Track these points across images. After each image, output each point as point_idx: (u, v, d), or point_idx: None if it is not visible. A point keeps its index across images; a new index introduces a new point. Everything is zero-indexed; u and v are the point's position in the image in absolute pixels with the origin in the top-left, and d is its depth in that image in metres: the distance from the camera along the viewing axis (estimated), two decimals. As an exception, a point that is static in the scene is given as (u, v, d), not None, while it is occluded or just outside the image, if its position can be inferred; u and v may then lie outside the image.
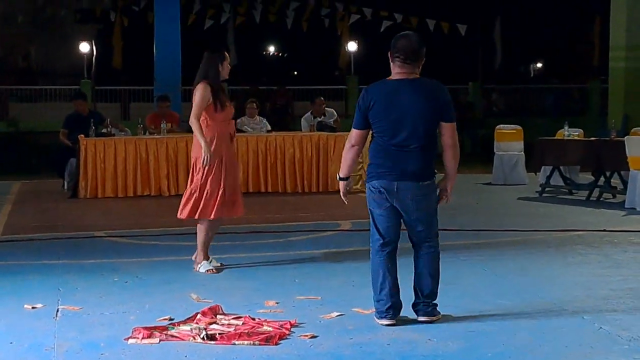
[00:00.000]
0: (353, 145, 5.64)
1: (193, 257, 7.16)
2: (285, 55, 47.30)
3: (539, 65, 43.50)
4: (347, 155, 5.71)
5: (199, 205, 7.07)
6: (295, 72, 44.43)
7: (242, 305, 5.81)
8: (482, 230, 9.16)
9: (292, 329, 5.19)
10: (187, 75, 16.99)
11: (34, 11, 27.55)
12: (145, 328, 5.13)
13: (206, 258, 7.09)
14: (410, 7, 24.26)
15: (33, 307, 5.76)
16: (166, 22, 15.58)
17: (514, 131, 14.13)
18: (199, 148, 6.96)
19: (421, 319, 5.43)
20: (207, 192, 7.03)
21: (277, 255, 7.70)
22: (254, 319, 5.40)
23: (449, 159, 5.59)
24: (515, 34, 33.40)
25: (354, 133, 5.58)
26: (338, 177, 5.89)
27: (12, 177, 15.29)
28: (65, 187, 12.65)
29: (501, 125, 14.51)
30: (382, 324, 5.35)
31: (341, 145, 12.64)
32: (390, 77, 5.47)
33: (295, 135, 12.97)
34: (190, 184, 7.14)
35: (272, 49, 46.28)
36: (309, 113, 13.79)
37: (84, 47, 28.01)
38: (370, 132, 5.56)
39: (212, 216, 7.05)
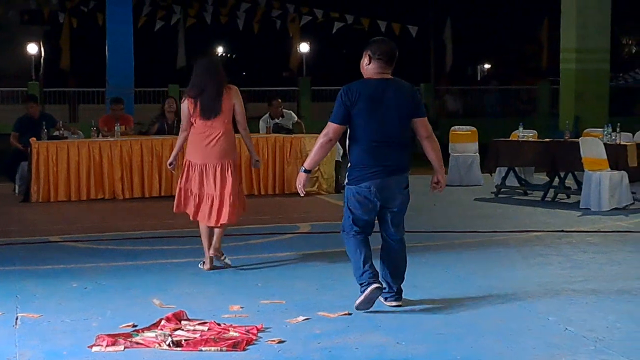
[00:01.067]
0: (330, 140, 5.83)
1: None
2: (234, 56, 47.17)
3: (487, 66, 43.93)
4: (320, 150, 5.91)
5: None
6: (244, 73, 44.31)
7: (206, 310, 5.74)
8: (442, 231, 9.20)
9: (258, 334, 5.15)
10: (139, 78, 16.84)
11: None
12: (109, 335, 5.04)
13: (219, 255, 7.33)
14: (362, 9, 24.33)
15: (-9, 315, 5.63)
16: (118, 24, 15.39)
17: (469, 132, 14.23)
18: (235, 150, 7.29)
19: (393, 304, 5.83)
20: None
21: (238, 259, 7.62)
22: (219, 325, 5.34)
23: (429, 150, 5.90)
24: (465, 35, 33.68)
25: (333, 127, 5.79)
26: (303, 169, 6.01)
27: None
28: (17, 191, 12.41)
29: (456, 127, 14.60)
30: (371, 290, 5.62)
31: (298, 147, 12.67)
32: (370, 77, 5.82)
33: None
34: (226, 188, 7.19)
35: (220, 49, 46.05)
36: (266, 115, 13.71)
37: (32, 48, 27.59)
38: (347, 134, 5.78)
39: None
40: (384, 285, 5.82)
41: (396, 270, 5.88)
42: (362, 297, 5.68)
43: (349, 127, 5.78)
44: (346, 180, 5.91)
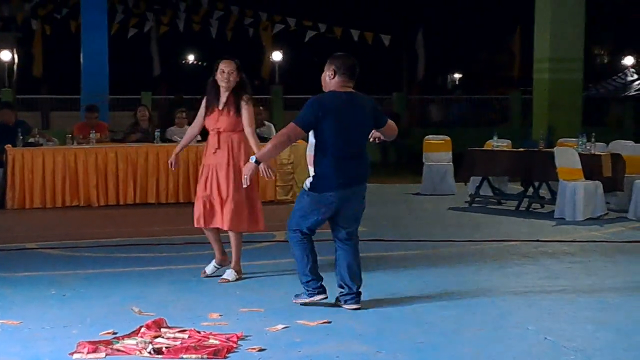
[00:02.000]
0: (290, 141, 6.18)
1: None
2: (205, 64, 47.07)
3: (457, 75, 44.22)
4: (278, 149, 6.15)
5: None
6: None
7: (185, 317, 5.76)
8: (417, 240, 9.24)
9: (239, 342, 5.16)
10: (112, 85, 16.79)
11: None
12: (90, 342, 5.04)
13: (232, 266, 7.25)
14: (334, 17, 24.41)
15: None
16: (93, 30, 15.35)
17: (443, 142, 14.32)
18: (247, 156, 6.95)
19: (353, 307, 6.04)
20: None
21: (215, 267, 7.63)
22: (199, 332, 5.35)
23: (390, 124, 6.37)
24: (436, 44, 33.88)
25: (297, 131, 6.01)
26: (254, 159, 6.13)
27: None
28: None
29: (430, 136, 14.68)
30: (317, 300, 6.09)
31: (277, 157, 12.64)
32: (336, 90, 6.08)
33: (226, 146, 12.88)
34: (238, 195, 7.09)
35: (191, 57, 45.96)
36: None
37: (5, 55, 27.41)
38: (314, 144, 6.02)
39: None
40: (344, 288, 6.10)
41: (353, 273, 6.13)
42: (307, 300, 6.14)
43: (316, 138, 6.01)
44: (308, 186, 6.12)
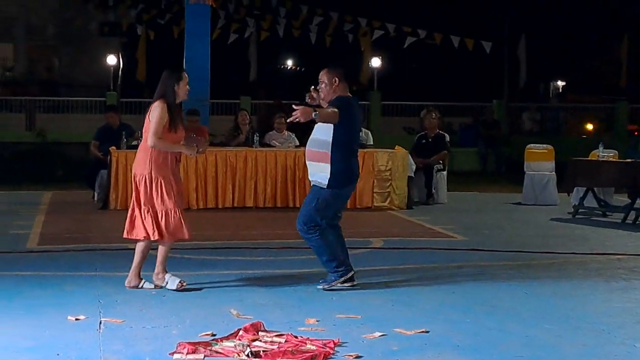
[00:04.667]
0: (335, 119, 6.72)
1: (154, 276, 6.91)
2: (303, 69, 47.37)
3: (560, 83, 43.31)
4: (330, 116, 6.71)
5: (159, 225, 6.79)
6: (313, 87, 44.43)
7: (283, 322, 5.78)
8: (519, 251, 9.05)
9: (335, 349, 5.14)
10: (211, 89, 17.02)
11: (63, 24, 27.73)
12: (190, 343, 5.10)
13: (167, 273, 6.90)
14: (434, 24, 24.22)
15: (76, 319, 5.76)
16: (195, 36, 15.54)
17: (545, 151, 14.03)
18: (143, 165, 6.76)
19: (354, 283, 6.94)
20: (165, 211, 6.80)
21: (312, 272, 7.65)
22: (296, 337, 5.35)
23: None
24: (539, 51, 33.27)
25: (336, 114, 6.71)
26: (316, 114, 6.64)
27: (40, 187, 15.32)
28: (96, 198, 12.65)
29: (531, 145, 14.42)
30: (353, 285, 6.88)
31: (370, 162, 12.65)
32: (343, 94, 6.89)
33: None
34: (139, 203, 6.80)
35: (290, 62, 46.28)
36: None
37: (111, 59, 28.15)
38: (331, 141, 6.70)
39: (186, 236, 6.89)
40: (344, 266, 6.92)
41: (346, 251, 7.04)
42: (343, 279, 6.87)
43: (334, 134, 6.68)
44: (325, 183, 6.69)
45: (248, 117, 13.86)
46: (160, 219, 6.77)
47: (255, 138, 12.94)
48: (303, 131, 20.31)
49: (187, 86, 6.88)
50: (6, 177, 17.53)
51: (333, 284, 6.86)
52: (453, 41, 21.53)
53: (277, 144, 13.45)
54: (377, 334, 5.48)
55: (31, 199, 13.49)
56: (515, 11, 31.73)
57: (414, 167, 13.17)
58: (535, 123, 27.98)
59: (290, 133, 13.97)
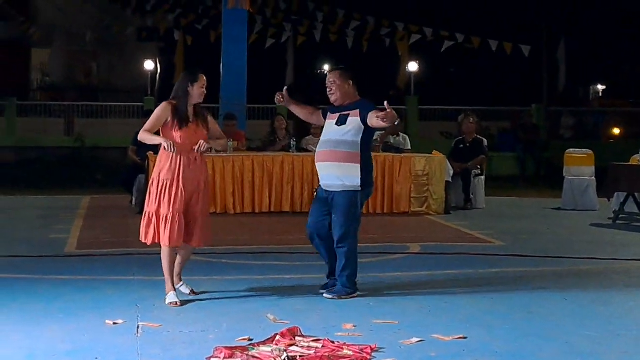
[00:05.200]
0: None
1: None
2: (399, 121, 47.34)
3: (600, 87, 42.87)
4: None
5: (158, 229, 6.60)
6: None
7: (319, 327, 5.76)
8: (558, 257, 8.95)
9: (372, 354, 5.12)
10: (248, 94, 17.08)
11: (101, 30, 28.01)
12: (227, 348, 5.10)
13: (172, 289, 6.61)
14: (472, 28, 24.10)
15: (114, 323, 5.79)
16: (232, 41, 15.63)
17: (585, 156, 13.89)
18: (155, 168, 6.68)
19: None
20: (161, 216, 6.59)
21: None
22: (333, 342, 5.33)
23: None
24: (579, 54, 32.97)
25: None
26: (397, 121, 7.01)
27: (79, 192, 15.47)
28: (134, 202, 12.74)
29: (571, 150, 14.29)
30: (358, 295, 6.76)
31: (407, 167, 12.61)
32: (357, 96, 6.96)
33: (361, 156, 12.89)
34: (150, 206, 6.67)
35: (326, 67, 46.35)
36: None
37: (149, 64, 28.39)
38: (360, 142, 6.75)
39: (166, 243, 6.58)
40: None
41: None
42: (353, 295, 6.76)
43: (363, 135, 6.75)
44: (359, 185, 6.71)
45: (285, 121, 13.89)
46: (160, 223, 6.58)
47: (292, 143, 12.95)
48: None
49: (204, 89, 6.69)
50: (45, 181, 17.77)
51: (344, 295, 6.75)
52: (491, 45, 21.39)
53: (313, 148, 13.39)
54: (415, 339, 5.44)
55: (70, 204, 13.63)
56: (554, 15, 31.46)
57: (451, 172, 13.10)
58: (569, 129, 27.73)
59: (327, 138, 13.96)
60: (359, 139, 6.74)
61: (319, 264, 8.27)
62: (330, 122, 6.92)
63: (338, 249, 6.82)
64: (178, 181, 6.56)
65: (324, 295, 6.78)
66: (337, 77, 6.89)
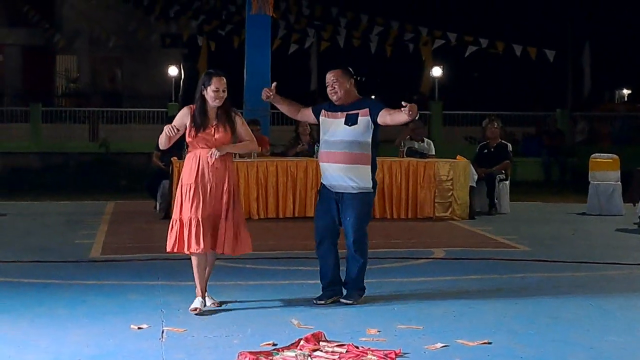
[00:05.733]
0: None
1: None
2: (363, 79, 47.27)
3: (626, 91, 42.57)
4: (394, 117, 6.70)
5: (181, 236, 6.39)
6: (373, 97, 44.42)
7: (344, 332, 5.76)
8: (584, 262, 8.88)
9: (397, 359, 5.10)
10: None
11: (126, 36, 28.20)
12: (251, 353, 5.11)
13: (199, 294, 6.45)
14: (496, 32, 24.02)
15: (139, 328, 5.82)
16: (256, 47, 15.67)
17: (610, 160, 13.78)
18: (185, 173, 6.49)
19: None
20: (183, 222, 6.39)
21: (372, 282, 7.59)
22: (357, 347, 5.33)
23: None
24: (604, 59, 32.77)
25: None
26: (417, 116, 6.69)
27: (104, 197, 15.55)
28: (158, 208, 12.79)
29: (596, 154, 14.19)
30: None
31: (431, 172, 12.56)
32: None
33: (384, 161, 12.86)
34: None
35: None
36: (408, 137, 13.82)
37: (173, 70, 28.52)
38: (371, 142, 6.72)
39: (188, 249, 6.38)
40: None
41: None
42: (359, 300, 6.75)
43: (373, 136, 6.69)
44: (371, 187, 6.73)
45: (309, 127, 13.89)
46: (183, 229, 6.37)
47: (315, 148, 12.94)
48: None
49: (219, 91, 6.37)
50: (70, 187, 17.88)
51: (359, 299, 6.78)
52: (515, 50, 21.29)
53: (337, 153, 13.43)
54: (439, 345, 5.43)
55: (94, 209, 13.70)
56: (578, 19, 31.31)
57: (475, 177, 13.06)
58: (582, 132, 27.53)
59: (351, 143, 13.97)
60: (370, 139, 6.69)
61: (344, 269, 8.26)
62: (336, 121, 6.75)
63: (354, 251, 6.75)
64: (198, 186, 6.40)
65: (341, 301, 6.72)
66: (338, 75, 6.76)
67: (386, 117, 6.62)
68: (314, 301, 6.71)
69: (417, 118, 7.43)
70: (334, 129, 6.74)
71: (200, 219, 6.32)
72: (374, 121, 6.68)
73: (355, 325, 6.00)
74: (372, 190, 6.75)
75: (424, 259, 9.03)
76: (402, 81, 37.99)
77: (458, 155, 13.20)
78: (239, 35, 20.73)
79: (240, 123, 6.59)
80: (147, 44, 29.71)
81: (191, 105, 6.53)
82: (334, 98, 6.79)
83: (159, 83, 30.97)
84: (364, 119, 6.67)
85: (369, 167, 6.70)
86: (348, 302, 6.71)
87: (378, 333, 5.75)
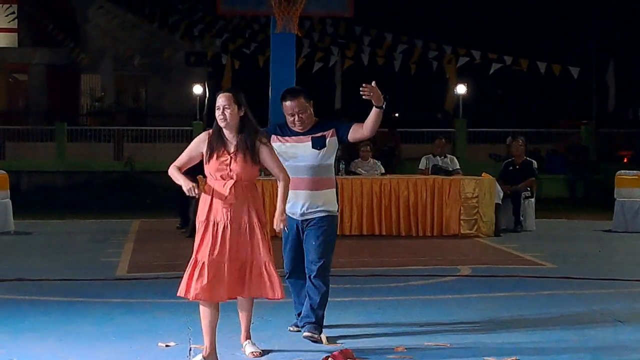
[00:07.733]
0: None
1: None
2: (387, 96, 47.29)
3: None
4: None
5: (190, 279, 5.51)
6: (396, 114, 44.51)
7: (371, 349, 5.74)
8: (610, 279, 8.81)
9: (425, 377, 5.09)
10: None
11: (150, 54, 28.39)
12: (279, 371, 5.10)
13: (206, 352, 5.52)
14: (520, 49, 23.99)
15: (166, 345, 5.84)
16: (281, 65, 15.72)
17: (636, 177, 13.69)
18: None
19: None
20: (198, 264, 5.52)
21: (399, 300, 7.61)
22: (385, 365, 5.31)
23: None
24: (628, 75, 32.61)
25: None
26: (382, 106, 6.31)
27: (129, 216, 15.62)
28: (190, 225, 12.78)
29: (622, 171, 14.11)
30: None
31: (457, 189, 12.53)
32: None
33: (409, 178, 12.88)
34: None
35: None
36: (430, 154, 13.88)
37: (197, 89, 28.67)
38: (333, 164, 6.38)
39: (189, 296, 5.47)
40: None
41: None
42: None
43: (334, 155, 6.32)
44: (336, 210, 6.36)
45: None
46: (194, 271, 5.50)
47: (340, 166, 12.95)
48: (386, 159, 20.39)
49: (220, 109, 5.60)
50: (96, 205, 17.98)
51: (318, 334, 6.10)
52: (539, 67, 21.25)
53: (362, 171, 13.46)
54: (467, 363, 5.41)
55: (120, 227, 13.77)
56: (603, 36, 31.21)
57: (501, 194, 13.01)
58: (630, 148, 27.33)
59: (376, 161, 14.04)
60: (333, 161, 6.29)
61: (373, 286, 8.30)
62: (302, 146, 6.19)
63: (317, 278, 6.12)
64: (209, 224, 5.54)
65: (304, 334, 6.08)
66: (304, 103, 6.19)
67: (359, 129, 6.19)
68: (290, 329, 6.40)
69: (387, 98, 6.56)
70: (302, 154, 6.18)
71: (206, 262, 5.44)
72: (344, 140, 6.28)
73: (382, 342, 5.98)
74: (337, 214, 6.35)
75: (450, 277, 9.00)
76: (427, 99, 38.01)
77: (484, 173, 13.17)
78: (263, 53, 20.82)
79: (266, 153, 5.67)
80: (171, 62, 29.88)
81: (209, 130, 5.78)
82: (300, 129, 6.21)
83: (184, 102, 31.11)
84: (332, 140, 6.22)
85: (334, 189, 6.32)
86: (308, 334, 6.08)
87: (405, 351, 5.73)
